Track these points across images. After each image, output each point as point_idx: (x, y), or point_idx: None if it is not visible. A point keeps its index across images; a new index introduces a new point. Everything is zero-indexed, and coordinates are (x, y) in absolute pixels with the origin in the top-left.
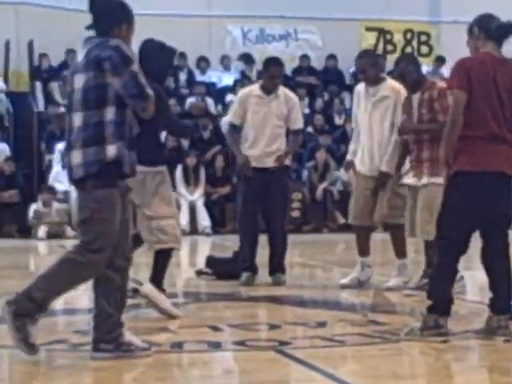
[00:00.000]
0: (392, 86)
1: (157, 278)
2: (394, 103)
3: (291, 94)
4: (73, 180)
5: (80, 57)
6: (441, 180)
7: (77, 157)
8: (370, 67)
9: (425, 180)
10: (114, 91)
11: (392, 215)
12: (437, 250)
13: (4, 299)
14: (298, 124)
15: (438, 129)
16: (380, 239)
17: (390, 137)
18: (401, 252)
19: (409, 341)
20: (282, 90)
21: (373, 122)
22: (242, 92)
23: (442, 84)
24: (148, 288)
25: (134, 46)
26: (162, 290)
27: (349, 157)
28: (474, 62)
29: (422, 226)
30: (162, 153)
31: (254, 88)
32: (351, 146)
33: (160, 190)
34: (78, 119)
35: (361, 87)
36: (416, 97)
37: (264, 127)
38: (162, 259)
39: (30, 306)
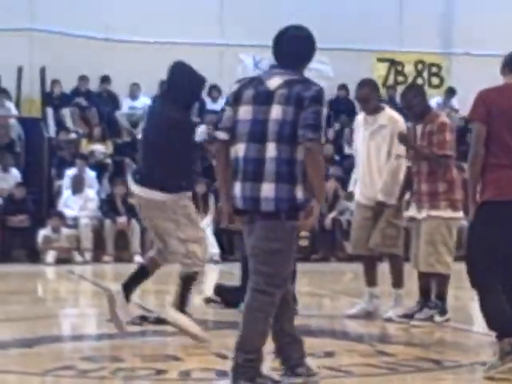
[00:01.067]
0: (390, 116)
1: (181, 303)
2: (391, 132)
3: None
4: (260, 212)
5: (253, 85)
6: (439, 213)
7: (269, 190)
8: (372, 96)
9: (424, 213)
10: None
11: (385, 244)
12: (472, 282)
13: None
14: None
15: (434, 159)
16: None
17: (386, 165)
18: (397, 282)
19: (413, 372)
20: None
21: (370, 151)
22: None
23: (443, 118)
24: (172, 313)
25: (146, 73)
26: (187, 315)
27: (351, 187)
28: (493, 92)
29: (425, 258)
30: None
31: None
32: (353, 176)
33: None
34: (270, 150)
35: (360, 117)
36: (419, 128)
37: None
38: (187, 283)
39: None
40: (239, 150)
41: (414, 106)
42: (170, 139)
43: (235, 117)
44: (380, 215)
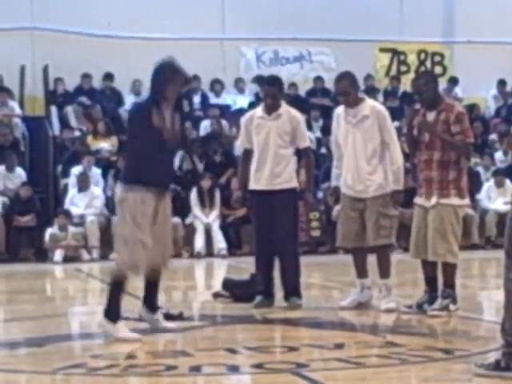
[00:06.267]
0: (372, 106)
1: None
2: (377, 122)
3: (294, 112)
4: None
5: None
6: (449, 201)
7: None
8: (352, 89)
9: (434, 200)
10: None
11: (380, 236)
12: None
13: None
14: (306, 142)
15: (461, 146)
16: (397, 260)
17: (383, 155)
18: (386, 272)
19: (424, 362)
20: (285, 109)
21: (356, 143)
22: (246, 115)
23: (459, 107)
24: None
25: (148, 69)
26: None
27: (334, 182)
28: None
29: (434, 247)
30: None
31: (258, 110)
32: (334, 171)
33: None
34: None
35: (339, 110)
36: (431, 115)
37: (267, 147)
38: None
39: None
40: None
41: (425, 91)
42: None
43: None
44: (368, 208)
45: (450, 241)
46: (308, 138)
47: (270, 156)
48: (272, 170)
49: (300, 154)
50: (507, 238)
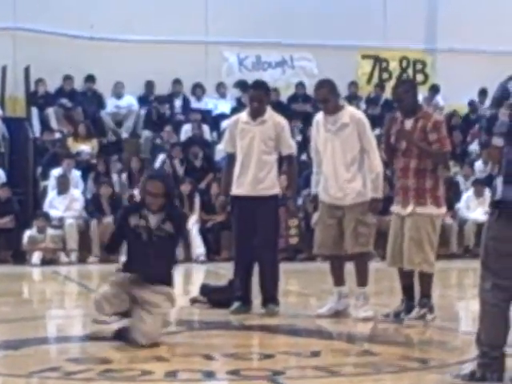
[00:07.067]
0: (351, 113)
1: None
2: (357, 130)
3: (279, 119)
4: None
5: None
6: (425, 209)
7: None
8: (331, 96)
9: (410, 209)
10: None
11: (359, 243)
12: None
13: None
14: (290, 149)
15: (438, 155)
16: (374, 268)
17: (362, 163)
18: (363, 280)
19: (399, 372)
20: (270, 115)
21: (335, 150)
22: (231, 119)
23: (437, 116)
24: None
25: (131, 71)
26: None
27: (313, 189)
28: None
29: (410, 256)
30: None
31: (243, 114)
32: (314, 178)
33: None
34: None
35: (319, 117)
36: (409, 123)
37: (250, 153)
38: None
39: None
40: None
41: (404, 99)
42: None
43: None
44: (347, 215)
45: (426, 250)
46: (292, 145)
47: (254, 161)
48: (255, 175)
49: (281, 160)
50: (483, 248)
